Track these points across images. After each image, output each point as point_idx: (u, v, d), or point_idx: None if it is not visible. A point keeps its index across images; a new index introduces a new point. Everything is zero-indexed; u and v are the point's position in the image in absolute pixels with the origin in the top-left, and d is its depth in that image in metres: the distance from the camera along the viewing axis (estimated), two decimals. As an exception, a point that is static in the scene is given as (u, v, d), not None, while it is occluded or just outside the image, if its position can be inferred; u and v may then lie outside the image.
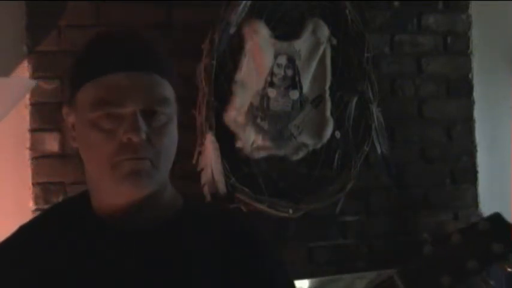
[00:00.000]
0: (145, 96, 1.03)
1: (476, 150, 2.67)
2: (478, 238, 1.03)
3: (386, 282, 1.08)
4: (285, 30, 2.38)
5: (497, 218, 1.06)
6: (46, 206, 2.14)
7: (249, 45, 2.29)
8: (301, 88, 2.39)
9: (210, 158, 2.20)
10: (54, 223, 1.15)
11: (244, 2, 2.27)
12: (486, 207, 2.67)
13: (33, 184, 2.16)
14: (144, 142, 1.02)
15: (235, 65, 2.29)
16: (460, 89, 2.67)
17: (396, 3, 2.59)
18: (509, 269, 1.03)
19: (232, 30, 2.27)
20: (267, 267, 1.14)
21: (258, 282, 1.11)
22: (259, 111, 2.33)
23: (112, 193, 1.07)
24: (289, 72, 2.37)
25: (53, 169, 2.17)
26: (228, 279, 1.08)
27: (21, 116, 2.16)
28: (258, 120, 2.33)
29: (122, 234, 1.08)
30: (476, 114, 2.68)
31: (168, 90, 1.07)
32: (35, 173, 2.16)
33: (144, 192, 1.05)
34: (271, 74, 2.34)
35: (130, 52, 1.06)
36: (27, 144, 2.17)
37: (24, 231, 1.18)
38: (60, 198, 2.16)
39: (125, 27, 2.21)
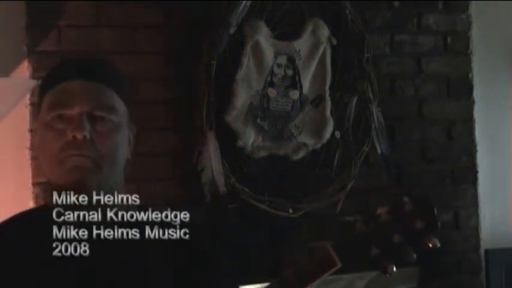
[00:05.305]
0: (91, 100, 1.15)
1: (476, 150, 2.67)
2: (404, 217, 1.18)
3: (320, 250, 1.19)
4: (285, 30, 2.38)
5: (421, 200, 1.20)
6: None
7: (249, 45, 2.29)
8: (301, 88, 2.39)
9: (210, 158, 2.20)
10: (13, 231, 1.23)
11: (244, 2, 2.27)
12: (486, 207, 2.68)
13: (33, 184, 2.15)
14: (87, 141, 1.13)
15: (235, 65, 2.29)
16: (460, 89, 2.67)
17: (396, 3, 2.59)
18: (430, 244, 1.18)
19: (232, 30, 2.27)
20: (210, 255, 1.26)
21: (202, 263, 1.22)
22: (259, 111, 2.33)
23: (60, 190, 1.15)
24: (289, 72, 2.37)
25: (53, 169, 2.17)
26: (178, 268, 1.19)
27: (21, 116, 2.15)
28: (258, 120, 2.33)
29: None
30: (476, 114, 2.67)
31: (115, 100, 1.18)
32: (35, 173, 2.15)
33: (85, 188, 1.13)
34: (271, 74, 2.34)
35: (83, 65, 1.21)
36: (27, 144, 2.16)
37: None
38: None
39: (125, 27, 2.23)
